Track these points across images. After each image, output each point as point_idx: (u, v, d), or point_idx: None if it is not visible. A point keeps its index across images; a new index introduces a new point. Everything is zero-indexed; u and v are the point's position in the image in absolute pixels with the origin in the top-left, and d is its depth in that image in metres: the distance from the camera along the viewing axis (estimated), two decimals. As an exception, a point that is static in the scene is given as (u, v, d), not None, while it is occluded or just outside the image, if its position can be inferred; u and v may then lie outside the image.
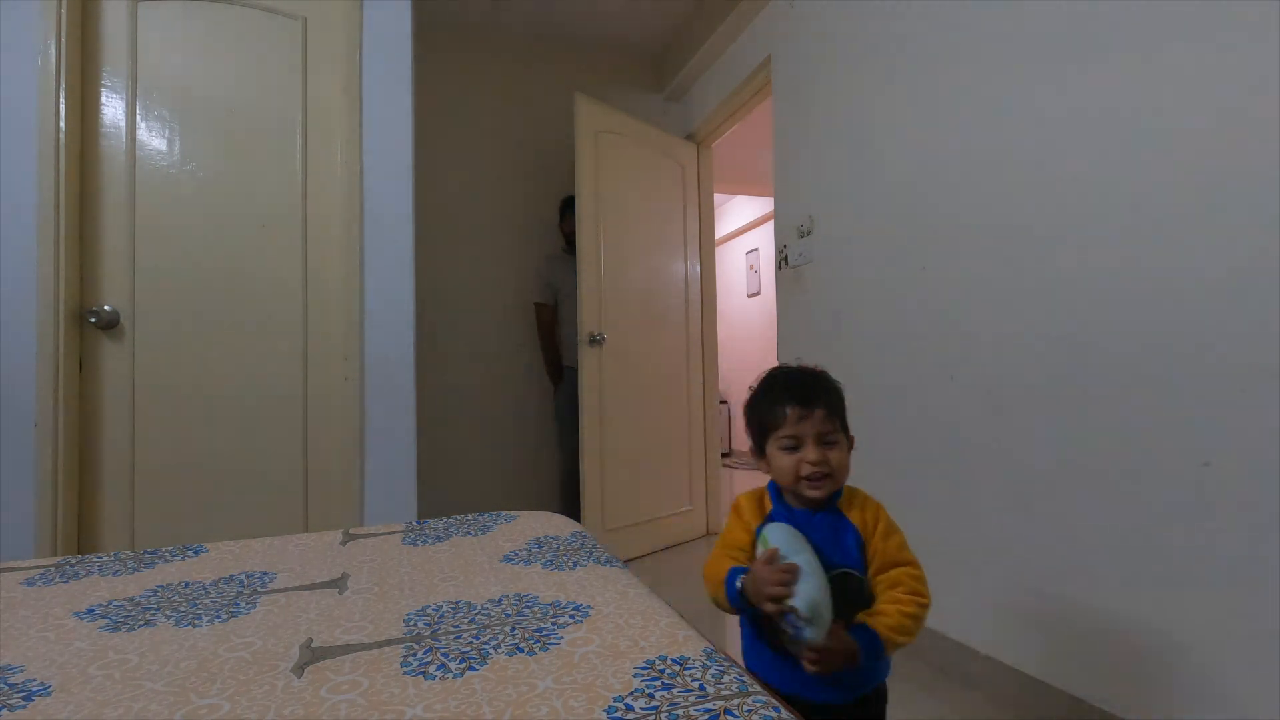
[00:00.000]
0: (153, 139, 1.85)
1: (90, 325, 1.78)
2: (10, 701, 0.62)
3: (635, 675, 0.64)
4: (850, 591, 0.90)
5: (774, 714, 0.57)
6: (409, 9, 2.05)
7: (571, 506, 3.07)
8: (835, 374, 1.00)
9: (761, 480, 1.00)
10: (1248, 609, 1.17)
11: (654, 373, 3.16)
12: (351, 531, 1.31)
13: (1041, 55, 1.54)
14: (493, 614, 0.82)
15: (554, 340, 3.17)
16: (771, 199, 3.40)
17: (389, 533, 1.29)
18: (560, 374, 3.16)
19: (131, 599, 0.92)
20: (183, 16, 1.88)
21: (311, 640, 0.75)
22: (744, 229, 6.39)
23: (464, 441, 3.27)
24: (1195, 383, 1.24)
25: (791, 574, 0.82)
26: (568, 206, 3.18)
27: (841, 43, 2.24)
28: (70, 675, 0.68)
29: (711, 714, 0.57)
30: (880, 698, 0.97)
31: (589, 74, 3.57)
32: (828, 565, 0.87)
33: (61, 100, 1.72)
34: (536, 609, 0.83)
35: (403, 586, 0.95)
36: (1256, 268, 1.15)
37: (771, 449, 0.96)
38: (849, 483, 0.97)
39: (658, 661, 0.67)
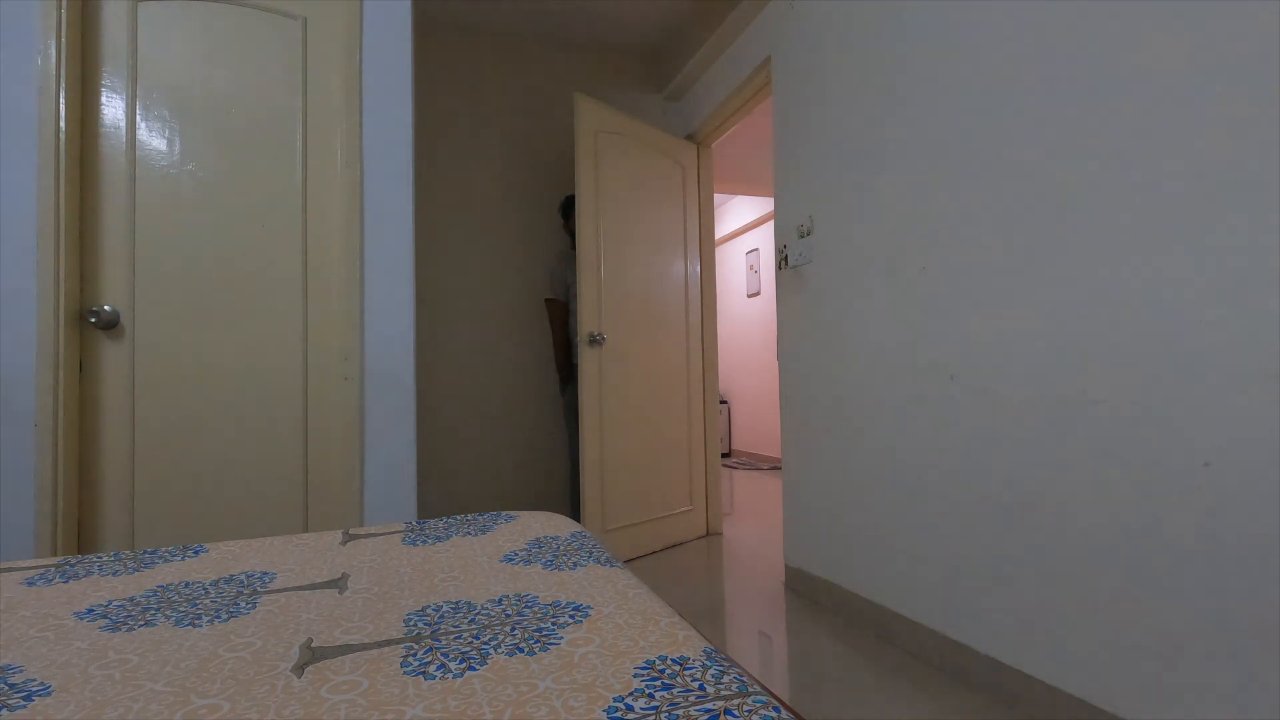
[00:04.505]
0: (153, 139, 1.85)
1: (90, 325, 1.78)
2: (10, 701, 0.62)
3: (635, 675, 0.64)
4: None
5: (774, 714, 0.57)
6: (409, 8, 2.05)
7: (577, 506, 3.06)
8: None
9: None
10: (1248, 609, 1.17)
11: (654, 373, 3.16)
12: (351, 531, 1.31)
13: (1042, 53, 1.54)
14: (493, 614, 0.82)
15: (566, 337, 3.15)
16: (771, 199, 3.41)
17: (389, 533, 1.29)
18: (571, 373, 3.12)
19: (131, 599, 0.92)
20: (183, 16, 1.88)
21: (311, 640, 0.75)
22: (744, 229, 6.39)
23: (464, 441, 3.27)
24: (1195, 383, 1.24)
25: None
26: (571, 205, 3.17)
27: (841, 43, 2.24)
28: (70, 675, 0.68)
29: (711, 714, 0.57)
30: None
31: (589, 74, 3.58)
32: None
33: (61, 100, 1.72)
34: (536, 609, 0.83)
35: (403, 586, 0.95)
36: (1256, 267, 1.15)
37: None
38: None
39: (658, 661, 0.67)
